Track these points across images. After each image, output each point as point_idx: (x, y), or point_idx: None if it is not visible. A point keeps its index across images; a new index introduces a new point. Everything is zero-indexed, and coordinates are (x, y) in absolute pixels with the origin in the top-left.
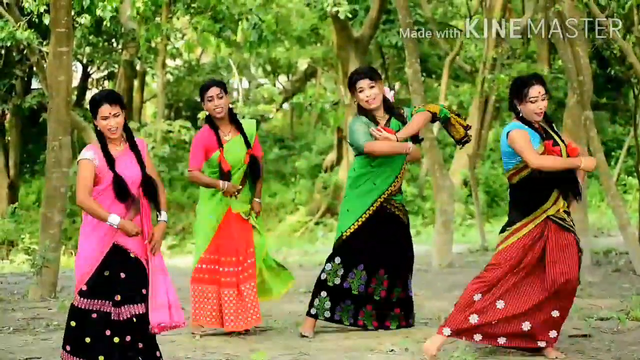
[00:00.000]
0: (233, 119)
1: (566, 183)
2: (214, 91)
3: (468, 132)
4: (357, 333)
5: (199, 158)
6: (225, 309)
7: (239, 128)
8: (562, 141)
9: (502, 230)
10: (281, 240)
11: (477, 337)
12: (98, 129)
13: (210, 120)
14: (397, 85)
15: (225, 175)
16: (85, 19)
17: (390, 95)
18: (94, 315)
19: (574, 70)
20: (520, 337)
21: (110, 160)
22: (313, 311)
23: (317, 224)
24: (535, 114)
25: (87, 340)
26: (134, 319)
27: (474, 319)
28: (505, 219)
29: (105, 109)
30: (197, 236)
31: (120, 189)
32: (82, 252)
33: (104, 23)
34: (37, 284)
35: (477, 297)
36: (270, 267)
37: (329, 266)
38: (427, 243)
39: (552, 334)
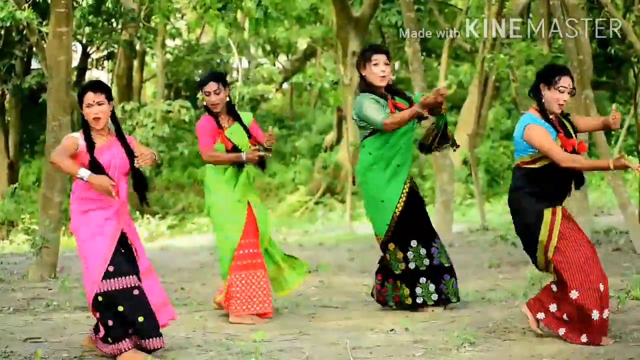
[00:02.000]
0: (231, 110)
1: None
2: (211, 87)
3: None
4: (358, 312)
5: (210, 140)
6: (259, 292)
7: (237, 118)
8: (575, 135)
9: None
10: (281, 220)
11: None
12: (84, 118)
13: (209, 110)
14: (396, 64)
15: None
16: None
17: (391, 80)
18: (136, 292)
19: (573, 49)
20: None
21: (90, 145)
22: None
23: (317, 203)
24: (558, 105)
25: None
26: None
27: None
28: (505, 198)
29: (89, 97)
30: (224, 229)
31: (96, 173)
32: (94, 252)
33: (106, 5)
34: (37, 265)
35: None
36: (284, 259)
37: (387, 255)
38: None
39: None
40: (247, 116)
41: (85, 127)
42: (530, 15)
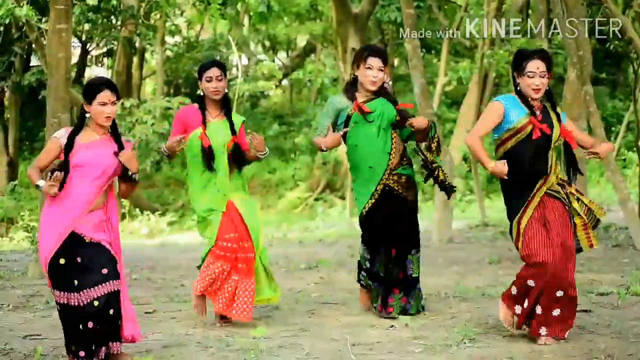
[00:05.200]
0: (225, 103)
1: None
2: (214, 72)
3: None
4: (358, 309)
5: (176, 132)
6: (238, 297)
7: (227, 113)
8: (559, 122)
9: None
10: (281, 217)
11: None
12: (86, 114)
13: (200, 99)
14: (396, 61)
15: (207, 153)
16: None
17: (389, 84)
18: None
19: (573, 45)
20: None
21: (68, 146)
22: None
23: (316, 200)
24: (532, 90)
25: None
26: (95, 302)
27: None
28: None
29: (105, 95)
30: (207, 229)
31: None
32: (43, 239)
33: (106, 1)
34: (37, 262)
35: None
36: (265, 269)
37: (361, 248)
38: (427, 219)
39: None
40: (238, 118)
41: (79, 123)
42: (530, 11)
